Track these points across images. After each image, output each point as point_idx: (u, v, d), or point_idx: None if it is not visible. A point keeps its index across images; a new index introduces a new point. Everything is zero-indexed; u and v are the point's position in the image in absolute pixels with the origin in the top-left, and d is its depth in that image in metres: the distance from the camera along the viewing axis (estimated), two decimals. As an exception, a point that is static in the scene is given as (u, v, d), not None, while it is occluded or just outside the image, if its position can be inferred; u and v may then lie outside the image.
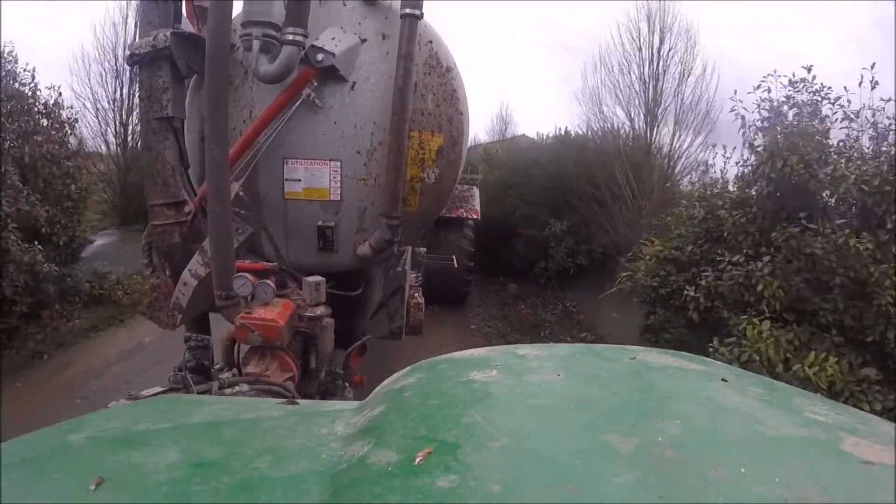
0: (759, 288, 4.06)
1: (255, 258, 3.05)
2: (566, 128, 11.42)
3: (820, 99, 4.94)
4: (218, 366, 2.59)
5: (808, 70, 4.94)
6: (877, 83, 4.65)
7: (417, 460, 0.68)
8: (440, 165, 3.24)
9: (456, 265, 5.96)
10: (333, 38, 2.86)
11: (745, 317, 3.99)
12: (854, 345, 3.76)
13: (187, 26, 3.03)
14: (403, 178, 3.00)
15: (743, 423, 0.73)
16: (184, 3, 3.03)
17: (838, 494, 0.58)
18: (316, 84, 2.84)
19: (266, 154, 2.91)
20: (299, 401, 1.09)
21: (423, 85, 3.09)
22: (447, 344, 6.54)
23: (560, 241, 9.35)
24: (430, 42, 3.16)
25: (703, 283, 4.50)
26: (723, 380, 0.87)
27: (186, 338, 2.75)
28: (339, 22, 2.95)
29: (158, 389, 1.99)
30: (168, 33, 2.70)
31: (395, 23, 2.87)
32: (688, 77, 8.96)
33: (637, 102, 9.34)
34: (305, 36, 2.73)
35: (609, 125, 9.74)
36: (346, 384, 3.15)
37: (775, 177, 4.28)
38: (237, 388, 2.18)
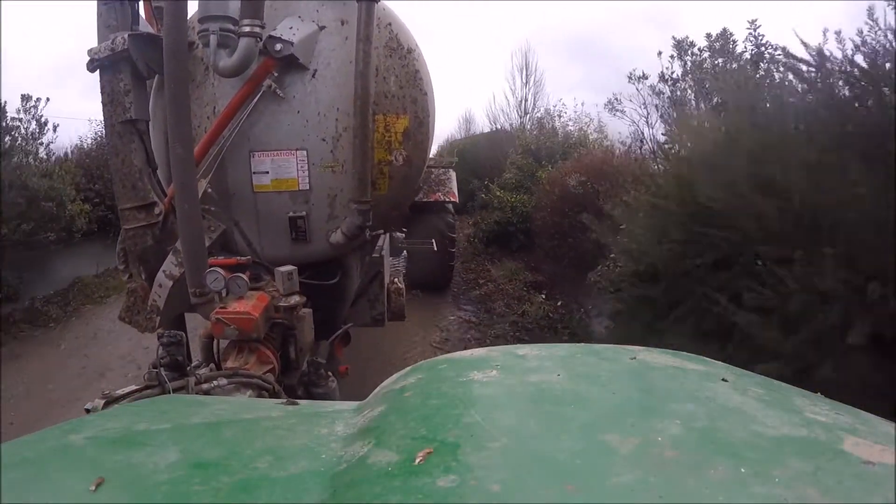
0: None
1: (228, 254, 3.06)
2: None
3: None
4: (196, 362, 2.59)
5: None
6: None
7: (417, 460, 0.68)
8: (407, 147, 3.25)
9: (435, 248, 5.95)
10: (291, 28, 2.87)
11: None
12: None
13: (146, 27, 3.02)
14: (371, 162, 3.02)
15: (743, 423, 0.73)
16: (142, 4, 3.02)
17: (838, 494, 0.58)
18: (276, 74, 2.86)
19: (232, 148, 2.92)
20: (299, 401, 1.09)
21: (384, 68, 3.10)
22: (430, 329, 6.50)
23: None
24: (390, 24, 3.17)
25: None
26: (723, 380, 0.87)
27: (160, 334, 2.76)
28: (297, 11, 2.96)
29: (133, 388, 1.99)
30: (126, 35, 2.70)
31: (354, 8, 2.88)
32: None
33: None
34: (262, 27, 2.74)
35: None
36: (330, 374, 3.16)
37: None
38: (215, 382, 2.18)
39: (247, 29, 2.69)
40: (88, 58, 2.77)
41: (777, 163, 2.83)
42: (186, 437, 0.88)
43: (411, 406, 0.88)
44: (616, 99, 7.94)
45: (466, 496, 0.60)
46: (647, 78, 6.45)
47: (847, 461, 0.64)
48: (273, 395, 2.45)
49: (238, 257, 2.96)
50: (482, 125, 21.34)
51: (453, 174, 8.09)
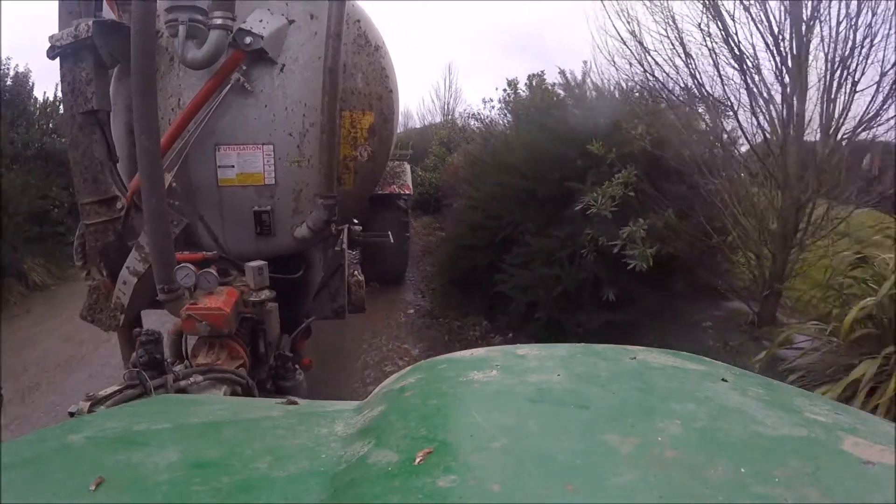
0: None
1: (193, 250, 3.03)
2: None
3: None
4: (168, 360, 2.59)
5: None
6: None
7: (417, 460, 0.68)
8: (372, 143, 3.28)
9: (392, 241, 5.99)
10: (261, 21, 2.85)
11: None
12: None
13: (109, 14, 2.94)
14: (337, 157, 3.03)
15: (743, 423, 0.73)
16: None
17: (838, 494, 0.58)
18: (245, 68, 2.84)
19: (197, 142, 2.88)
20: (299, 401, 1.09)
21: (352, 64, 3.11)
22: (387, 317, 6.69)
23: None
24: (359, 21, 3.18)
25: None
26: (723, 380, 0.87)
27: (136, 333, 2.75)
28: (266, 4, 2.95)
29: (115, 388, 1.99)
30: (90, 22, 2.60)
31: (323, 3, 2.88)
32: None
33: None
34: (233, 19, 2.72)
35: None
36: (297, 367, 3.18)
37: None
38: (191, 379, 2.19)
39: (219, 21, 2.66)
40: (49, 45, 2.67)
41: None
42: (186, 437, 0.88)
43: (411, 406, 0.88)
44: (476, 112, 11.52)
45: (466, 496, 0.60)
46: (492, 100, 9.66)
47: (847, 461, 0.64)
48: (246, 389, 2.46)
49: (204, 252, 2.94)
50: (418, 121, 25.02)
51: (408, 167, 8.15)
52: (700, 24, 4.50)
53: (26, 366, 5.39)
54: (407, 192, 7.70)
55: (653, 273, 4.47)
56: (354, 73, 3.12)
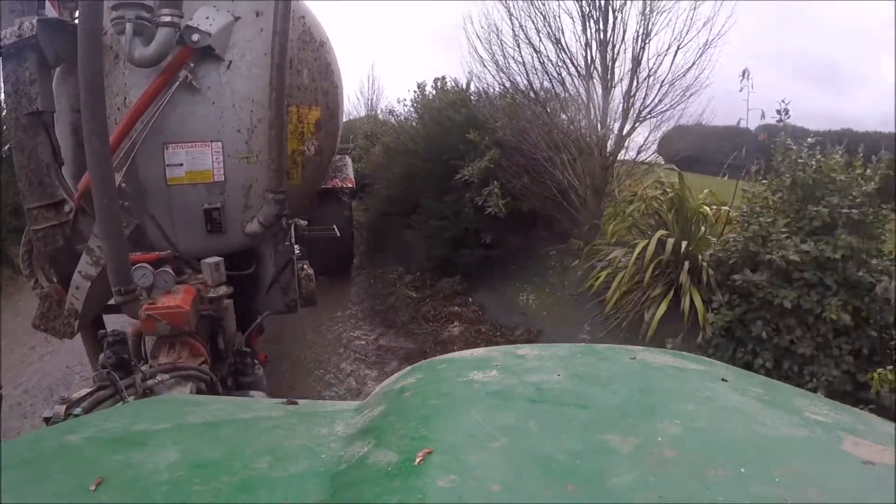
0: None
1: (144, 250, 2.99)
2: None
3: None
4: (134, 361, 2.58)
5: None
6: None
7: (417, 460, 0.68)
8: (319, 138, 3.31)
9: (339, 234, 6.06)
10: (208, 18, 2.85)
11: None
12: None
13: (51, 12, 2.84)
14: (285, 152, 3.04)
15: (743, 423, 0.73)
16: None
17: (838, 494, 0.58)
18: (192, 65, 2.82)
19: (145, 141, 2.85)
20: (299, 401, 1.08)
21: (298, 60, 3.13)
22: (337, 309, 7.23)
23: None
24: (303, 17, 3.20)
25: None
26: (723, 380, 0.87)
27: (102, 335, 2.73)
28: (212, 0, 2.93)
29: (87, 390, 2.01)
30: (34, 21, 2.54)
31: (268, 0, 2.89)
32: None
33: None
34: (181, 16, 2.71)
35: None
36: (256, 362, 3.20)
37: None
38: (158, 377, 2.19)
39: (167, 19, 2.64)
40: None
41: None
42: (186, 437, 0.88)
43: (411, 406, 0.88)
44: (392, 110, 12.66)
45: (466, 496, 0.60)
46: (405, 100, 10.93)
47: (847, 461, 0.64)
48: (211, 385, 2.47)
49: (158, 252, 2.91)
50: (344, 116, 26.38)
51: (349, 160, 8.20)
52: (538, 41, 6.57)
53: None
54: (349, 185, 7.83)
55: (518, 222, 7.15)
56: (300, 69, 3.14)
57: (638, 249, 4.95)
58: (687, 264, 4.60)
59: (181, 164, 2.97)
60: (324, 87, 3.26)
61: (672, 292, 4.73)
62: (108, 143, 2.35)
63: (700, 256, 4.58)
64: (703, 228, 5.05)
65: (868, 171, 3.93)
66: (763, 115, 5.35)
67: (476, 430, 0.73)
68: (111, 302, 2.93)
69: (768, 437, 0.69)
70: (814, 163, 3.97)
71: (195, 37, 2.76)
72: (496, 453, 0.68)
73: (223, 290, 2.85)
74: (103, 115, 2.29)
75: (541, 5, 6.37)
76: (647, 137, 6.63)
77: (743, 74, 5.89)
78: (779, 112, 4.53)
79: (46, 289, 2.86)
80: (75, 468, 0.76)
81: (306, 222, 4.94)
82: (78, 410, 1.89)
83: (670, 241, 4.79)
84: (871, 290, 3.52)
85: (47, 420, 1.92)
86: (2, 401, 2.61)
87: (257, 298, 3.49)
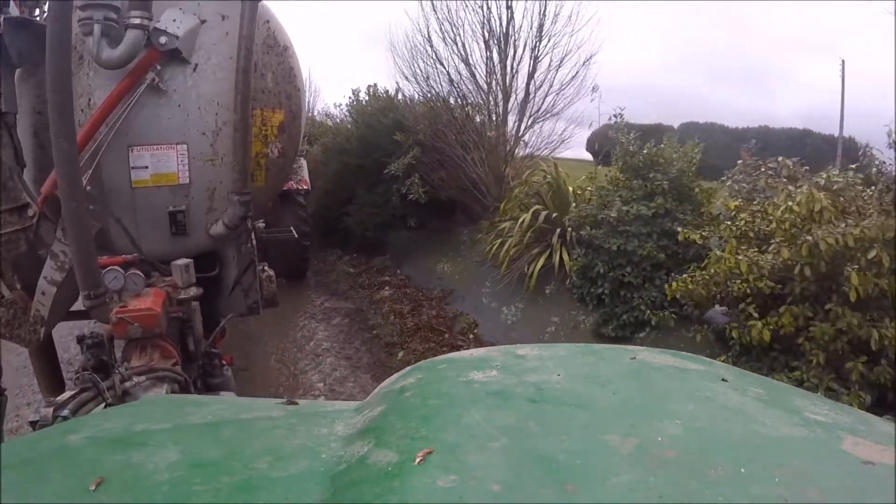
0: None
1: (106, 254, 2.97)
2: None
3: None
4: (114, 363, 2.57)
5: None
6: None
7: (417, 460, 0.68)
8: (282, 140, 3.34)
9: (296, 236, 6.08)
10: (175, 20, 2.84)
11: None
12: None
13: (14, 11, 2.80)
14: (250, 154, 3.06)
15: (743, 423, 0.73)
16: None
17: (838, 494, 0.58)
18: (159, 67, 2.82)
19: (109, 143, 2.83)
20: (299, 401, 1.08)
21: (262, 64, 3.15)
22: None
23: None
24: (268, 22, 3.22)
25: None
26: (723, 380, 0.87)
27: (80, 337, 2.72)
28: (178, 3, 2.93)
29: (70, 393, 2.02)
30: (0, 19, 2.52)
31: (234, 3, 2.90)
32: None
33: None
34: (150, 19, 2.70)
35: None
36: (224, 363, 3.22)
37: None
38: (135, 379, 2.20)
39: (136, 21, 2.63)
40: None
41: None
42: (186, 437, 0.88)
43: (411, 406, 0.88)
44: (329, 113, 13.89)
45: (466, 496, 0.60)
46: (341, 105, 12.35)
47: (847, 461, 0.64)
48: (184, 386, 2.47)
49: (125, 256, 2.90)
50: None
51: (304, 162, 8.22)
52: (450, 61, 8.49)
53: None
54: (304, 187, 7.90)
55: (437, 208, 8.83)
56: (265, 72, 3.17)
57: (520, 221, 6.63)
58: (558, 230, 6.27)
59: (146, 167, 2.97)
60: (287, 91, 3.31)
61: (548, 252, 6.28)
62: (76, 144, 2.33)
63: (566, 223, 6.21)
64: (572, 203, 6.68)
65: (690, 153, 5.66)
66: (609, 118, 6.86)
67: (476, 430, 0.73)
68: (73, 308, 2.94)
69: (768, 437, 0.69)
70: (645, 150, 5.60)
71: (163, 39, 2.76)
72: (496, 453, 0.68)
73: (193, 291, 2.86)
74: (71, 116, 2.27)
75: (450, 30, 8.40)
76: (544, 134, 8.65)
77: (593, 90, 8.22)
78: (615, 116, 6.35)
79: (10, 296, 2.76)
80: (75, 468, 0.76)
81: (264, 224, 4.96)
82: (65, 412, 1.89)
83: (543, 212, 6.55)
84: (684, 244, 4.96)
85: (34, 424, 1.92)
86: (6, 401, 2.59)
87: (220, 301, 3.50)
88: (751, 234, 4.30)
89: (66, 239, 2.54)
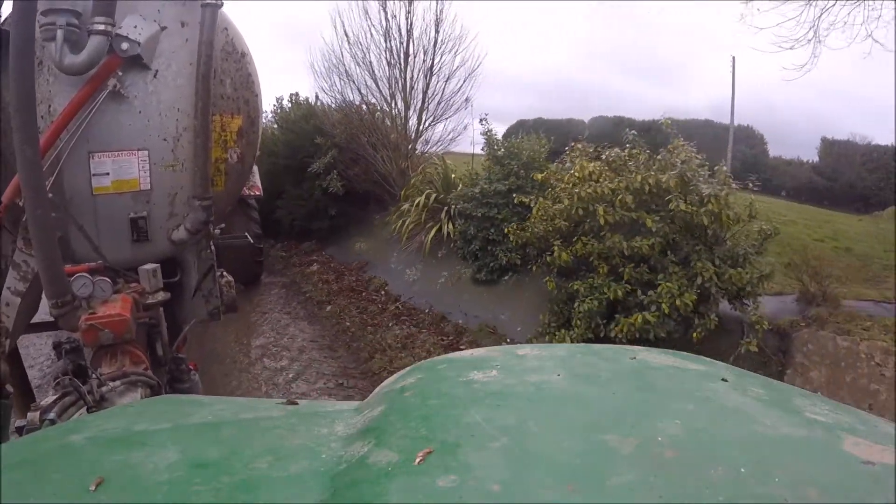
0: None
1: (68, 263, 2.91)
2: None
3: None
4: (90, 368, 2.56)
5: None
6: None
7: (417, 460, 0.68)
8: (241, 146, 3.37)
9: (252, 241, 6.15)
10: (136, 27, 2.84)
11: None
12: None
13: None
14: (210, 160, 3.09)
15: (743, 423, 0.73)
16: None
17: (838, 494, 0.58)
18: (120, 73, 2.81)
19: (70, 150, 2.81)
20: (299, 401, 1.08)
21: (221, 70, 3.18)
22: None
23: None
24: (226, 29, 3.23)
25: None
26: (723, 380, 0.87)
27: (56, 343, 2.71)
28: (138, 9, 2.92)
29: (54, 397, 2.00)
30: None
31: (193, 9, 2.92)
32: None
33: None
34: (114, 25, 2.70)
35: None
36: (192, 368, 3.25)
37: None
38: (110, 384, 2.20)
39: (101, 27, 2.62)
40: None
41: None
42: (186, 437, 0.88)
43: (411, 406, 0.88)
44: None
45: (466, 496, 0.60)
46: (267, 112, 13.71)
47: (847, 461, 0.64)
48: (157, 390, 2.46)
49: (88, 264, 2.87)
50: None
51: (256, 168, 8.16)
52: (359, 76, 10.58)
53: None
54: (256, 192, 8.05)
55: (355, 199, 10.79)
56: (224, 78, 3.20)
57: (416, 203, 8.64)
58: (445, 208, 8.24)
59: (107, 174, 2.96)
60: (245, 97, 3.33)
61: (438, 225, 8.19)
62: (39, 151, 2.29)
63: (450, 201, 8.14)
64: (459, 186, 8.47)
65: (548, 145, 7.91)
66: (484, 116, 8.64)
67: (476, 430, 0.73)
68: (36, 320, 2.93)
69: (768, 437, 0.69)
70: (506, 143, 7.84)
71: (125, 45, 2.75)
72: (496, 453, 0.68)
73: (161, 295, 2.86)
74: (34, 123, 2.23)
75: (358, 52, 10.41)
76: (440, 134, 10.94)
77: (466, 101, 10.35)
78: (482, 122, 8.25)
79: None
80: (75, 468, 0.76)
81: (219, 230, 5.00)
82: (52, 415, 1.89)
83: (434, 195, 8.54)
84: (524, 207, 6.58)
85: (20, 430, 1.91)
86: (11, 406, 2.58)
87: (182, 307, 3.50)
88: (553, 194, 6.12)
89: (29, 248, 2.51)
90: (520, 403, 0.81)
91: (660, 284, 4.90)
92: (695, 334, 4.83)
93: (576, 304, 5.31)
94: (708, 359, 1.04)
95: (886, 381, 4.50)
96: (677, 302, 4.76)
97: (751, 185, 5.64)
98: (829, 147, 22.11)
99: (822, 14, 7.49)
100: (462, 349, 7.64)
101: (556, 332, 5.53)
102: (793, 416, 0.76)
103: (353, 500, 0.65)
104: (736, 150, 18.19)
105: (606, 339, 5.10)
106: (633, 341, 4.83)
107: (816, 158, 22.52)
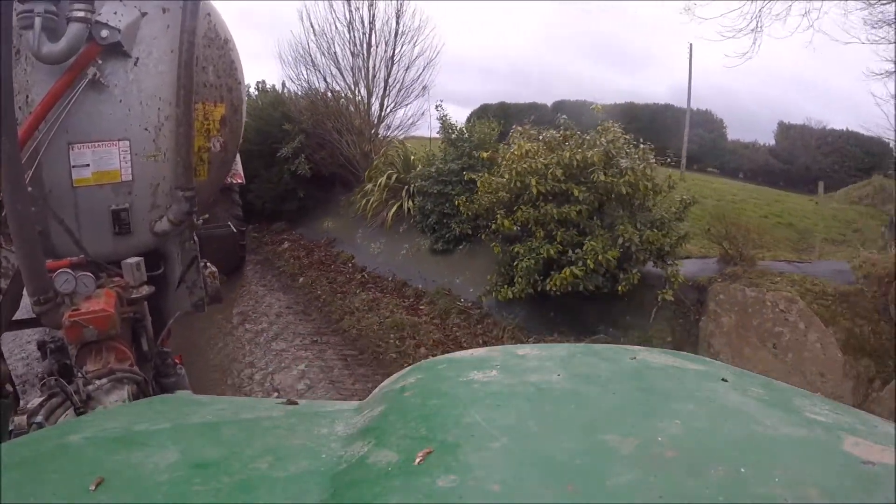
0: None
1: (48, 257, 2.87)
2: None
3: None
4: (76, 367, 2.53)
5: None
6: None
7: (417, 460, 0.68)
8: (224, 134, 3.30)
9: (235, 230, 6.05)
10: (116, 13, 2.77)
11: None
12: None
13: None
14: (193, 149, 3.02)
15: (743, 423, 0.73)
16: None
17: (838, 494, 0.58)
18: (100, 62, 2.75)
19: (49, 141, 2.74)
20: (299, 401, 1.08)
21: (203, 57, 3.10)
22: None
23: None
24: (209, 15, 3.17)
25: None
26: (723, 380, 0.87)
27: (41, 343, 2.67)
28: None
29: (40, 399, 1.98)
30: None
31: None
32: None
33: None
34: (93, 12, 2.65)
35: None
36: (177, 363, 3.22)
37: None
38: (97, 382, 2.19)
39: (80, 14, 2.57)
40: None
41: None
42: (186, 437, 0.88)
43: (411, 406, 0.88)
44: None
45: (466, 496, 0.60)
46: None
47: (847, 461, 0.64)
48: (143, 387, 2.45)
49: (70, 258, 2.82)
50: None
51: (238, 156, 8.16)
52: (325, 65, 11.37)
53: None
54: (239, 181, 8.07)
55: (322, 182, 11.58)
56: (206, 66, 3.12)
57: (378, 183, 9.52)
58: (406, 187, 9.02)
59: (88, 165, 2.88)
60: (228, 84, 3.27)
61: (399, 202, 9.00)
62: (17, 144, 2.25)
63: (410, 180, 8.91)
64: (418, 166, 9.14)
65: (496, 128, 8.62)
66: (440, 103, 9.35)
67: (476, 430, 0.73)
68: (17, 317, 2.87)
69: (768, 437, 0.69)
70: (459, 127, 8.73)
71: (105, 33, 2.68)
72: (496, 453, 0.68)
73: (145, 289, 2.81)
74: (13, 115, 2.19)
75: (324, 43, 11.19)
76: (401, 119, 11.83)
77: (424, 88, 11.28)
78: (437, 108, 8.92)
79: None
80: (75, 468, 0.76)
81: (202, 220, 4.95)
82: (39, 418, 1.87)
83: (395, 175, 9.36)
84: (474, 183, 7.10)
85: (9, 434, 1.90)
86: (11, 405, 2.56)
87: (166, 299, 3.44)
88: (497, 171, 6.84)
89: (8, 244, 2.46)
90: (520, 403, 0.81)
91: (585, 244, 5.68)
92: (620, 287, 5.63)
93: (515, 263, 6.06)
94: (708, 359, 1.04)
95: (790, 324, 5.21)
96: (601, 258, 5.50)
97: (669, 159, 7.37)
98: (786, 131, 22.09)
99: (762, 7, 8.04)
100: (421, 309, 7.52)
101: (501, 289, 6.29)
102: (793, 416, 0.76)
103: (353, 500, 0.65)
104: (694, 133, 18.19)
105: (543, 294, 5.97)
106: (566, 294, 5.80)
107: (773, 142, 22.54)
